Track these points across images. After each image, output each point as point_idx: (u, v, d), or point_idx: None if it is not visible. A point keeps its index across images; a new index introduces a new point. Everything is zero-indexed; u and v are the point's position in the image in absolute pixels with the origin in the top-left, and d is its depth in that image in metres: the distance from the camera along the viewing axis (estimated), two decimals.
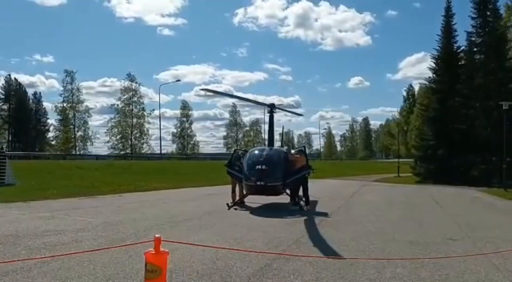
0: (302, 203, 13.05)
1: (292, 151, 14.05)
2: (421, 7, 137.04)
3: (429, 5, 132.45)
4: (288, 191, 13.23)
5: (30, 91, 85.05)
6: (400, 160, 49.55)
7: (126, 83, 60.72)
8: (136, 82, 61.24)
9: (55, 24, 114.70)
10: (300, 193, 13.23)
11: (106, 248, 6.52)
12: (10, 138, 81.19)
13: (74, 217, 10.18)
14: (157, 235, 3.51)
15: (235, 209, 12.50)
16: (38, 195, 14.28)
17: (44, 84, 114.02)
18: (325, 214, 11.71)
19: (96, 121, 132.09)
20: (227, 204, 12.60)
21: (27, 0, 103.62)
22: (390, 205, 14.60)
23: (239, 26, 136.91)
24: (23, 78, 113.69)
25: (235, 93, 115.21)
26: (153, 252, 3.43)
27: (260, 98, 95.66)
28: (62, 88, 61.21)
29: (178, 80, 52.08)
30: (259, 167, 12.07)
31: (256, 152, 13.12)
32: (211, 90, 13.20)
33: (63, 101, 60.62)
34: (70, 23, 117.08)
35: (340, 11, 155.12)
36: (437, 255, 6.83)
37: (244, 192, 12.82)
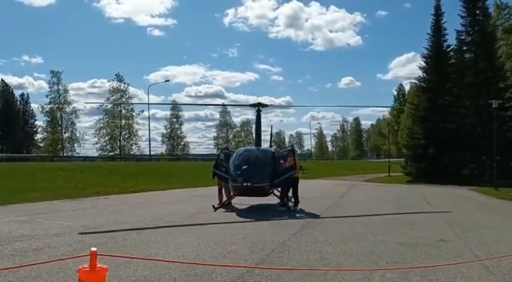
0: (290, 203, 12.77)
1: (280, 150, 13.74)
2: (411, 7, 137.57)
3: (419, 5, 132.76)
4: (276, 192, 12.93)
5: (18, 93, 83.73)
6: (391, 159, 49.49)
7: (115, 83, 60.04)
8: (125, 83, 60.63)
9: (43, 25, 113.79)
10: (290, 193, 12.95)
11: (77, 256, 6.11)
12: None
13: (52, 221, 9.78)
14: (93, 249, 2.76)
15: (223, 210, 12.18)
16: (18, 197, 13.82)
17: (32, 85, 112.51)
18: (313, 215, 11.43)
19: (86, 123, 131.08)
20: (213, 206, 12.26)
21: (15, 0, 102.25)
22: (380, 205, 14.35)
23: (230, 26, 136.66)
24: (12, 80, 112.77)
25: (226, 94, 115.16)
26: (87, 268, 2.64)
27: (252, 99, 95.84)
28: (48, 89, 59.85)
29: (167, 81, 52.04)
30: (246, 167, 11.75)
31: (243, 152, 12.77)
32: None
33: (50, 102, 59.65)
34: (59, 23, 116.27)
35: (330, 11, 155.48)
36: (427, 258, 6.56)
37: (231, 193, 12.48)
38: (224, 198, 12.89)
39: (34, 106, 79.12)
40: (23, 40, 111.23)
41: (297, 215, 11.48)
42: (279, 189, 13.06)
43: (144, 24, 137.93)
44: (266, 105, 14.15)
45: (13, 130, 78.04)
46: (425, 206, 14.55)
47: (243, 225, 9.61)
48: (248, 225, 9.61)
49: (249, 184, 11.46)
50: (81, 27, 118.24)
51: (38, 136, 71.43)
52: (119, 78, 60.25)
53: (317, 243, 7.59)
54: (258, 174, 11.71)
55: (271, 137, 18.84)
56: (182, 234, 8.39)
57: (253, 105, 14.29)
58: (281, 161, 12.61)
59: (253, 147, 13.60)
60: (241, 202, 13.42)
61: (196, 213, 11.43)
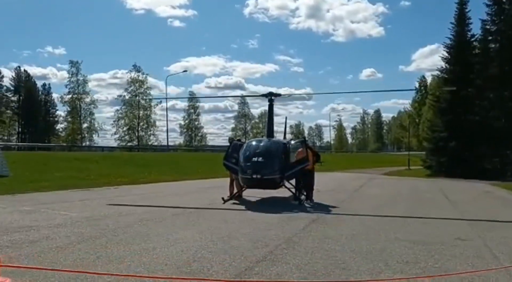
0: (303, 197, 12.37)
1: (292, 142, 13.30)
2: None
3: None
4: (288, 184, 12.55)
5: (41, 83, 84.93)
6: (412, 152, 48.51)
7: (133, 74, 60.19)
8: (143, 73, 60.67)
9: (66, 16, 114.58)
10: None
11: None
12: (20, 129, 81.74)
13: (57, 211, 9.61)
14: None
15: (232, 203, 11.88)
16: (28, 187, 13.78)
17: (56, 76, 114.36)
18: (325, 209, 11.03)
19: (107, 113, 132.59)
20: (223, 198, 11.96)
21: None
22: (396, 200, 13.84)
23: (250, 17, 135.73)
24: (36, 71, 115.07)
25: (246, 85, 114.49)
26: None
27: (272, 90, 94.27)
28: (67, 80, 60.35)
29: (185, 71, 51.79)
30: (256, 159, 11.37)
31: (253, 143, 12.41)
32: None
33: (69, 92, 60.19)
34: (81, 15, 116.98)
35: (352, 2, 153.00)
36: (442, 258, 6.10)
37: (241, 186, 12.15)
38: (235, 190, 12.57)
39: (55, 96, 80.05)
40: (47, 31, 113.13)
41: (309, 208, 11.08)
42: (293, 181, 12.64)
43: (164, 15, 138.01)
44: (278, 95, 13.69)
45: (35, 120, 79.37)
46: (444, 201, 13.96)
47: (251, 218, 9.26)
48: (256, 218, 9.26)
49: (258, 176, 11.10)
50: (103, 18, 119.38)
51: (59, 126, 72.41)
52: (137, 69, 60.43)
53: (325, 240, 7.19)
54: (268, 166, 11.33)
55: (285, 129, 18.46)
56: (186, 227, 8.09)
57: (264, 95, 13.85)
58: (293, 153, 12.20)
59: (265, 138, 13.21)
60: (252, 194, 13.08)
61: (204, 205, 11.15)
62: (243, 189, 12.29)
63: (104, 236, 7.09)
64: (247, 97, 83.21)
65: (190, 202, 11.69)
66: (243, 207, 11.10)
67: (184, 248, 6.35)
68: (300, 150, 12.06)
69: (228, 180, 13.12)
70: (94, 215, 9.23)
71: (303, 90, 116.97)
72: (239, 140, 13.42)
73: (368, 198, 14.26)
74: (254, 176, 11.13)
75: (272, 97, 13.51)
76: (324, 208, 11.18)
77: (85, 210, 9.86)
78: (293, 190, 12.54)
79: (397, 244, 6.99)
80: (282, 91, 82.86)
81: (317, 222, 8.97)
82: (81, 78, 60.27)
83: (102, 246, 6.41)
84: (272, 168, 11.38)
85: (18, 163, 18.88)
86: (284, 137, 16.95)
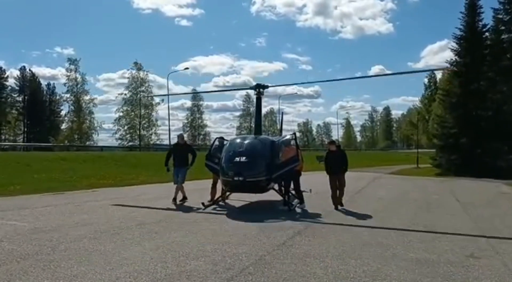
0: (295, 201, 11.01)
1: (283, 139, 11.89)
2: None
3: None
4: (276, 187, 11.20)
5: (48, 84, 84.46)
6: (422, 150, 46.82)
7: (134, 72, 59.03)
8: (144, 71, 59.45)
9: (74, 17, 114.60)
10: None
11: None
12: (25, 129, 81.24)
13: (6, 221, 8.40)
14: None
15: (214, 209, 10.57)
16: None
17: (65, 76, 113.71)
18: (317, 216, 9.65)
19: (117, 114, 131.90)
20: (203, 203, 10.66)
21: None
22: (401, 203, 12.39)
23: (257, 15, 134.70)
24: (45, 71, 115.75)
25: (253, 83, 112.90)
26: None
27: (280, 88, 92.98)
28: (65, 78, 59.26)
29: (187, 68, 50.19)
30: (238, 159, 10.01)
31: (237, 140, 10.99)
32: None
33: (67, 91, 59.13)
34: (89, 15, 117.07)
35: None
36: None
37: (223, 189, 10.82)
38: (218, 194, 11.26)
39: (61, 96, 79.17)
40: (55, 32, 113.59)
41: (297, 216, 9.70)
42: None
43: (171, 15, 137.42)
44: (266, 87, 12.28)
45: (40, 120, 78.85)
46: (454, 204, 12.47)
47: (225, 229, 7.91)
48: (231, 229, 7.92)
49: (241, 179, 9.73)
50: (110, 18, 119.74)
51: (64, 125, 71.61)
52: (138, 66, 59.22)
53: (305, 259, 5.83)
54: (252, 167, 9.94)
55: (281, 125, 17.08)
56: (142, 241, 6.77)
57: (252, 88, 12.49)
58: (283, 152, 10.81)
59: (250, 135, 11.82)
60: (240, 197, 11.78)
61: (177, 213, 9.84)
62: (224, 192, 10.98)
63: (36, 255, 5.82)
64: (251, 95, 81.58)
65: (165, 208, 10.39)
66: (222, 214, 9.75)
67: (122, 274, 5.04)
68: (287, 147, 10.64)
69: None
70: (45, 225, 7.97)
71: (311, 88, 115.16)
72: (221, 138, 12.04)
73: (370, 201, 12.83)
74: (236, 178, 9.78)
75: (261, 90, 12.12)
76: (316, 215, 9.79)
77: (40, 219, 8.61)
78: (283, 194, 11.19)
79: (394, 265, 5.61)
80: (290, 89, 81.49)
81: (303, 234, 7.59)
82: (79, 77, 59.12)
83: (21, 271, 5.14)
84: (256, 169, 10.00)
85: None
86: (280, 134, 15.55)
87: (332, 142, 12.04)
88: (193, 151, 11.93)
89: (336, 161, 10.98)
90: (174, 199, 11.17)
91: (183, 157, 11.48)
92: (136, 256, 5.83)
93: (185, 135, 71.28)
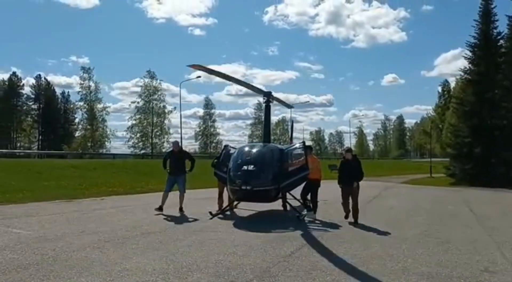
0: (304, 211, 10.75)
1: (293, 147, 11.71)
2: (458, 1, 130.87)
3: None
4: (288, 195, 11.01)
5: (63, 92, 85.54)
6: (436, 159, 46.14)
7: (147, 80, 59.45)
8: (157, 79, 59.80)
9: (89, 26, 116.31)
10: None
11: None
12: (40, 137, 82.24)
13: (11, 229, 8.34)
14: None
15: (220, 218, 10.40)
16: (4, 197, 12.58)
17: (79, 85, 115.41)
18: (327, 226, 9.45)
19: (130, 122, 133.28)
20: (210, 213, 10.50)
21: (61, 2, 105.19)
22: (413, 214, 12.08)
23: (270, 24, 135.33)
24: (60, 80, 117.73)
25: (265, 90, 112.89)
26: None
27: (292, 97, 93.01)
28: (79, 86, 59.96)
29: (199, 77, 50.36)
30: (246, 167, 9.84)
31: (245, 149, 10.82)
32: (200, 67, 10.52)
33: (81, 99, 59.75)
34: (104, 24, 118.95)
35: (373, 7, 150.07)
36: None
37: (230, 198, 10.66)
38: (225, 203, 11.11)
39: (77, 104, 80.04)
40: (71, 41, 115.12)
41: (306, 227, 9.47)
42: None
43: (185, 24, 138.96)
44: (273, 98, 12.12)
45: (54, 128, 79.82)
46: (468, 216, 12.13)
47: (231, 239, 7.74)
48: (237, 239, 7.75)
49: (248, 188, 9.55)
50: (125, 27, 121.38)
51: (78, 133, 72.25)
52: (151, 75, 59.64)
53: (311, 272, 5.64)
54: (260, 176, 9.77)
55: (291, 133, 16.91)
56: (146, 251, 6.64)
57: (262, 92, 12.25)
58: (291, 160, 10.63)
59: (259, 143, 11.66)
60: (248, 206, 11.59)
61: (185, 221, 9.71)
62: (232, 202, 10.83)
63: (37, 265, 5.72)
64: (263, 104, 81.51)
65: (172, 217, 10.25)
66: (229, 224, 9.56)
67: None
68: (296, 156, 10.44)
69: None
70: (50, 233, 7.90)
71: (324, 97, 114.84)
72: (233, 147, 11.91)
73: (380, 211, 12.55)
74: (244, 187, 9.60)
75: (270, 99, 11.96)
76: (326, 225, 9.60)
77: (45, 227, 8.53)
78: (294, 203, 11.01)
79: (405, 279, 5.40)
80: (302, 97, 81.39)
81: (311, 245, 7.40)
82: (93, 85, 59.69)
83: (20, 281, 5.04)
84: (265, 178, 9.81)
85: (7, 171, 17.84)
86: (291, 142, 15.37)
87: (349, 150, 11.27)
88: (192, 157, 11.77)
89: (351, 171, 10.22)
90: (161, 207, 10.73)
91: (179, 164, 11.12)
92: (138, 267, 5.70)
93: (196, 143, 71.86)
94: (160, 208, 10.74)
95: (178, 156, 11.24)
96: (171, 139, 60.42)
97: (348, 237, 8.20)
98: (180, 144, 12.35)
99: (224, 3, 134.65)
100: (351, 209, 10.24)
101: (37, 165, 22.27)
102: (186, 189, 11.41)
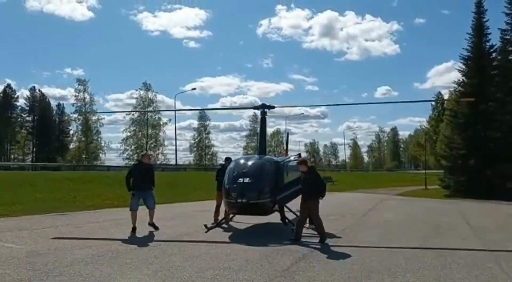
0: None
1: (289, 160, 11.67)
2: (450, 14, 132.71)
3: (459, 12, 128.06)
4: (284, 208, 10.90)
5: (57, 104, 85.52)
6: (430, 171, 46.19)
7: (142, 92, 59.36)
8: (152, 91, 59.71)
9: (84, 38, 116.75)
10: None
11: None
12: (34, 149, 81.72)
13: (3, 243, 8.21)
14: None
15: (215, 231, 10.28)
16: None
17: (75, 97, 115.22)
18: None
19: (125, 133, 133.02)
20: (205, 226, 10.39)
21: (57, 15, 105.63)
22: (410, 227, 12.00)
23: (264, 37, 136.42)
24: (55, 92, 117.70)
25: (259, 103, 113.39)
26: None
27: (286, 109, 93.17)
28: (74, 98, 59.81)
29: (194, 89, 50.39)
30: (242, 180, 9.76)
31: (241, 161, 10.76)
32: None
33: (76, 111, 59.58)
34: (99, 37, 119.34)
35: (366, 20, 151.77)
36: None
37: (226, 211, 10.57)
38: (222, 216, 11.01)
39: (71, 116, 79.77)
40: (65, 53, 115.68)
41: (303, 239, 9.37)
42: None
43: (179, 37, 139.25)
44: (272, 107, 12.13)
45: (49, 140, 79.45)
46: (465, 228, 12.08)
47: (226, 253, 7.64)
48: (233, 253, 7.65)
49: (244, 201, 9.47)
50: (119, 40, 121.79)
51: (72, 145, 71.83)
52: (147, 87, 59.56)
53: None
54: (255, 188, 9.69)
55: (287, 145, 16.83)
56: (139, 266, 6.53)
57: (257, 108, 12.33)
58: (287, 173, 10.59)
59: (254, 155, 11.60)
60: (245, 219, 11.46)
61: (179, 235, 9.60)
62: (228, 214, 10.74)
63: (28, 281, 5.59)
64: (259, 115, 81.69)
65: (167, 230, 10.13)
66: (225, 237, 9.47)
67: None
68: (292, 168, 10.40)
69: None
70: (42, 248, 7.77)
71: (318, 109, 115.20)
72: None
73: (376, 224, 12.46)
74: (239, 200, 9.52)
75: (265, 110, 11.96)
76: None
77: (38, 242, 8.39)
78: (288, 216, 10.92)
79: None
80: (297, 110, 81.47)
81: (307, 259, 7.31)
82: (88, 97, 59.54)
83: None
84: (261, 191, 9.74)
85: (0, 184, 17.63)
86: (286, 154, 15.31)
87: (301, 161, 9.68)
88: (153, 171, 10.57)
89: (307, 185, 9.22)
90: (134, 229, 9.55)
91: (148, 178, 9.97)
92: None
93: (191, 155, 71.44)
94: (134, 230, 9.58)
95: (146, 169, 10.13)
96: (166, 151, 60.33)
97: (344, 251, 8.10)
98: (150, 157, 11.26)
99: (219, 16, 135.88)
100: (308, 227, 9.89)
101: (31, 177, 22.07)
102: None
